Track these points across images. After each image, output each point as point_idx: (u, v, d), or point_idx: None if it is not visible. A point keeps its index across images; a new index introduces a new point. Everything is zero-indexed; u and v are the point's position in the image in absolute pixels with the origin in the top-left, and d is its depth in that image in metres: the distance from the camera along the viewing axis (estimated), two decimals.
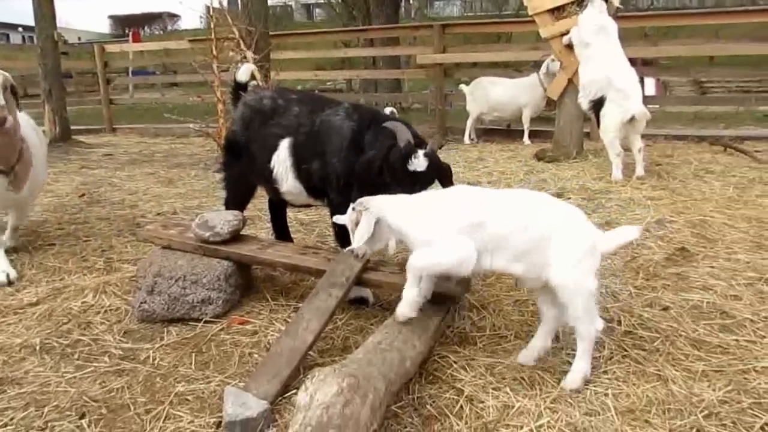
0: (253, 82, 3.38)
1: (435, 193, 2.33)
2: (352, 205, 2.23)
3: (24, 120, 3.53)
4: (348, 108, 2.86)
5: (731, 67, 11.31)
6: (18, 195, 3.42)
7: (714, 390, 2.04)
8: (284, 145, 2.92)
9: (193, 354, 2.45)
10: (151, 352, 2.48)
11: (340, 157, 2.73)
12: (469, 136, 8.24)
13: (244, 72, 3.31)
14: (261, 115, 3.03)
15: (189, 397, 2.14)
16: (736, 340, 2.39)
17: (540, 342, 2.23)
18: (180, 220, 3.97)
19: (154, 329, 2.69)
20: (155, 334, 2.64)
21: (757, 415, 1.90)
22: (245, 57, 6.64)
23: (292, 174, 2.92)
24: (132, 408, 2.09)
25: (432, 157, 2.51)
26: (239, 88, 3.29)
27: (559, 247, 2.01)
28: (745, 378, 2.12)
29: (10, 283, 3.24)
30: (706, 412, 1.92)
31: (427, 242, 2.08)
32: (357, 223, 2.17)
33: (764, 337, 2.41)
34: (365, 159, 2.59)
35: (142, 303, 2.76)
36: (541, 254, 2.02)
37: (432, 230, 2.08)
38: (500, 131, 8.65)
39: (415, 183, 2.51)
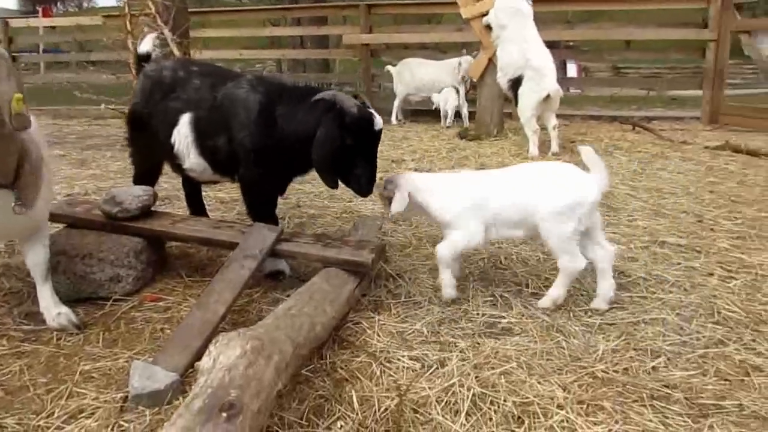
0: (156, 52, 3.22)
1: (450, 174, 2.71)
2: (379, 183, 2.55)
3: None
4: (252, 80, 2.79)
5: (645, 52, 11.95)
6: (31, 213, 2.23)
7: (608, 341, 2.20)
8: (185, 120, 2.82)
9: (101, 333, 2.36)
10: (54, 333, 2.36)
11: (249, 131, 2.67)
12: (396, 116, 8.31)
13: (146, 43, 3.17)
14: (161, 86, 2.92)
15: (94, 375, 2.06)
16: (630, 296, 2.58)
17: (605, 283, 2.48)
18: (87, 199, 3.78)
19: None
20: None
21: (642, 361, 2.07)
22: (162, 33, 6.35)
23: (195, 150, 2.84)
24: (32, 389, 1.99)
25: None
26: (142, 59, 3.15)
27: (543, 208, 2.39)
28: (635, 329, 2.29)
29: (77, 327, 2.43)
30: (600, 360, 2.07)
31: (447, 223, 2.49)
32: (389, 199, 2.51)
33: (654, 293, 2.61)
34: (321, 138, 2.51)
35: None
36: (532, 218, 2.42)
37: (449, 211, 2.48)
38: (427, 112, 8.77)
39: (378, 142, 2.60)
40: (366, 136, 2.54)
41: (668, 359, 2.08)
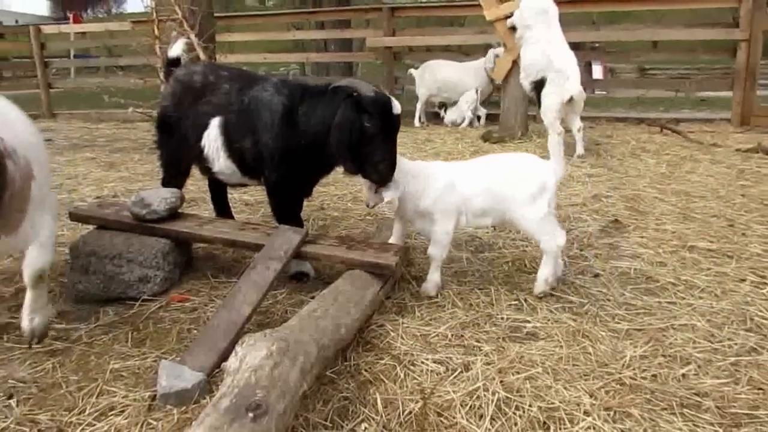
0: (184, 57, 3.26)
1: (430, 162, 2.73)
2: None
3: (19, 120, 2.25)
4: (277, 83, 2.82)
5: (672, 53, 11.72)
6: (13, 237, 2.11)
7: (636, 347, 2.16)
8: (215, 123, 2.87)
9: (130, 332, 2.40)
10: (85, 331, 2.42)
11: (273, 133, 2.70)
12: (419, 119, 8.30)
13: (176, 47, 3.23)
14: (191, 91, 2.97)
15: (124, 373, 2.11)
16: (659, 302, 2.53)
17: (546, 269, 2.62)
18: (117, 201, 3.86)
19: (90, 309, 2.62)
20: (90, 315, 2.57)
21: (671, 368, 2.03)
22: (189, 38, 6.46)
23: (224, 153, 2.88)
24: (64, 386, 2.04)
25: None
26: (172, 63, 3.21)
27: (513, 195, 2.54)
28: (663, 335, 2.25)
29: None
30: (627, 366, 2.03)
31: (427, 209, 2.56)
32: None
33: (683, 298, 2.56)
34: (339, 121, 2.49)
35: (76, 283, 2.69)
36: (502, 206, 2.57)
37: (430, 196, 2.54)
38: None
39: (398, 126, 2.57)
40: (384, 120, 2.48)
41: (698, 366, 2.04)
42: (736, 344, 2.18)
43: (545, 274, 2.58)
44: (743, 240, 3.26)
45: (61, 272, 2.99)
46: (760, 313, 2.40)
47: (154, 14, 6.76)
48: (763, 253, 3.06)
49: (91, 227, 2.97)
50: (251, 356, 1.54)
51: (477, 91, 7.79)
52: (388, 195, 2.50)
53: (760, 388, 1.92)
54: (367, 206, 2.64)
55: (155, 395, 1.93)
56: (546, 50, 5.45)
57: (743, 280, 2.73)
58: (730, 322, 2.34)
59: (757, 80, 7.57)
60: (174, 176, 3.21)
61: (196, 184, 4.33)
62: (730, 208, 3.84)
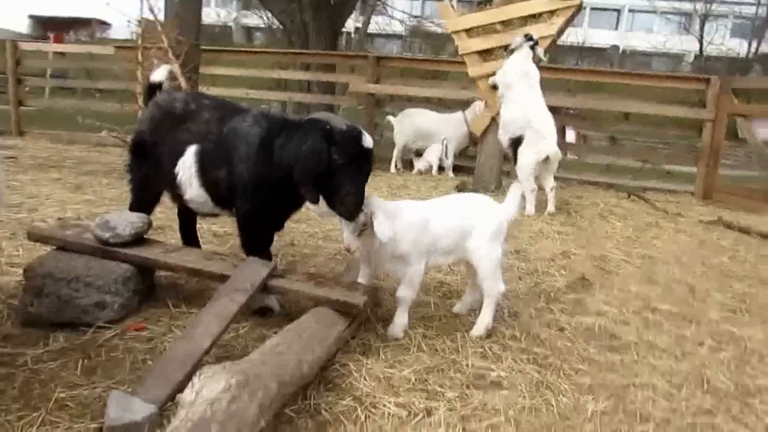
0: (166, 84, 3.26)
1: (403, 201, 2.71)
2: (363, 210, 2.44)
3: None
4: (257, 115, 2.81)
5: (643, 125, 12.25)
6: None
7: (597, 402, 2.16)
8: (191, 151, 2.84)
9: (81, 360, 2.28)
10: (31, 357, 2.29)
11: (248, 164, 2.68)
12: (395, 165, 8.41)
13: (160, 72, 3.23)
14: (171, 117, 2.95)
15: (70, 403, 1.99)
16: (621, 359, 2.55)
17: (470, 297, 2.85)
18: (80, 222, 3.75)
19: (39, 334, 2.48)
20: (39, 339, 2.44)
21: (631, 425, 2.03)
22: (173, 67, 6.50)
23: (198, 181, 2.85)
24: (3, 415, 1.92)
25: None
26: (153, 89, 3.20)
27: (476, 233, 2.62)
28: (625, 392, 2.26)
29: None
30: (588, 420, 2.02)
31: (404, 253, 2.53)
32: (364, 226, 2.45)
33: (645, 357, 2.58)
34: (306, 150, 2.45)
35: (27, 306, 2.56)
36: (466, 243, 2.64)
37: (407, 239, 2.52)
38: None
39: (369, 161, 2.53)
40: (354, 153, 2.45)
41: (657, 425, 2.05)
42: (693, 405, 2.20)
43: (487, 321, 2.65)
44: (702, 306, 3.34)
45: (12, 294, 2.86)
46: (716, 377, 2.44)
47: (140, 41, 6.81)
48: (721, 319, 3.14)
49: (49, 248, 2.87)
50: (208, 388, 1.48)
51: (443, 142, 8.00)
52: (383, 234, 2.36)
53: None
54: (348, 251, 2.54)
55: (101, 428, 1.82)
56: (525, 110, 5.63)
57: (701, 344, 2.78)
58: (689, 384, 2.37)
59: (720, 159, 7.94)
60: (144, 201, 3.14)
61: (164, 211, 4.25)
62: (691, 275, 3.94)
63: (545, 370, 2.38)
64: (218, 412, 1.41)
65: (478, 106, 7.69)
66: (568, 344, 2.64)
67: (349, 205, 2.43)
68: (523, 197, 2.79)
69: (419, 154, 8.59)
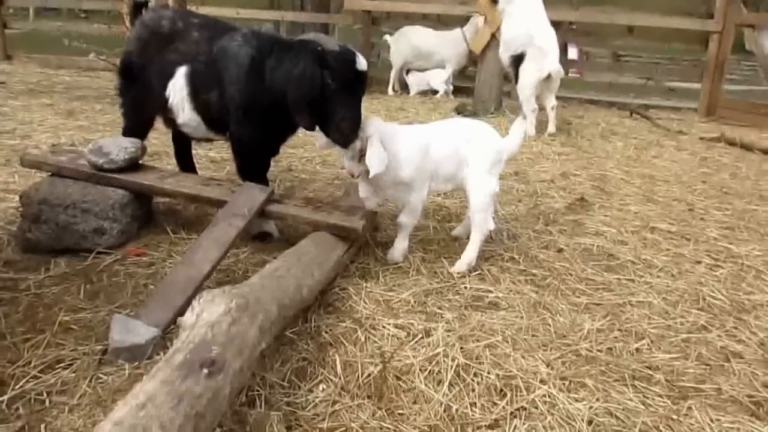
0: (152, 1, 3.08)
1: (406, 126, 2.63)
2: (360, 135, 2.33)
3: None
4: (247, 34, 2.68)
5: (647, 39, 11.84)
6: None
7: (593, 320, 2.20)
8: (181, 72, 2.73)
9: (83, 285, 2.31)
10: (33, 282, 2.31)
11: (239, 85, 2.58)
12: (393, 87, 8.19)
13: None
14: (158, 37, 2.81)
15: (74, 326, 2.03)
16: (618, 278, 2.58)
17: (469, 221, 2.67)
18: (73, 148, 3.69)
19: (40, 260, 2.51)
20: (40, 265, 2.46)
21: (626, 342, 2.07)
22: None
23: (189, 105, 2.75)
24: (9, 337, 1.96)
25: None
26: (139, 7, 3.03)
27: (474, 162, 2.51)
28: (621, 311, 2.30)
29: None
30: (584, 338, 2.07)
31: (405, 178, 2.43)
32: (362, 151, 2.32)
33: (642, 276, 2.61)
34: (298, 75, 2.36)
35: (26, 232, 2.56)
36: (463, 172, 2.53)
37: (412, 163, 2.42)
38: None
39: (363, 83, 2.43)
40: (348, 76, 2.36)
41: (651, 341, 2.09)
42: (688, 322, 2.25)
43: (470, 257, 2.52)
44: (701, 224, 3.34)
45: (11, 220, 2.85)
46: (711, 294, 2.48)
47: None
48: (719, 237, 3.15)
49: (44, 175, 2.83)
50: (209, 312, 1.50)
51: (448, 68, 7.78)
52: (374, 168, 2.27)
53: (707, 364, 1.99)
54: (351, 176, 2.48)
55: (106, 349, 1.87)
56: (528, 26, 5.39)
57: (699, 262, 2.81)
58: (684, 301, 2.41)
59: (725, 74, 7.71)
60: (136, 126, 3.06)
61: (159, 137, 4.17)
62: (691, 194, 3.93)
63: (543, 291, 2.42)
64: (219, 335, 1.43)
65: (477, 22, 7.36)
66: (566, 265, 2.66)
67: (345, 130, 2.35)
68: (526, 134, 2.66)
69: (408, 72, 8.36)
